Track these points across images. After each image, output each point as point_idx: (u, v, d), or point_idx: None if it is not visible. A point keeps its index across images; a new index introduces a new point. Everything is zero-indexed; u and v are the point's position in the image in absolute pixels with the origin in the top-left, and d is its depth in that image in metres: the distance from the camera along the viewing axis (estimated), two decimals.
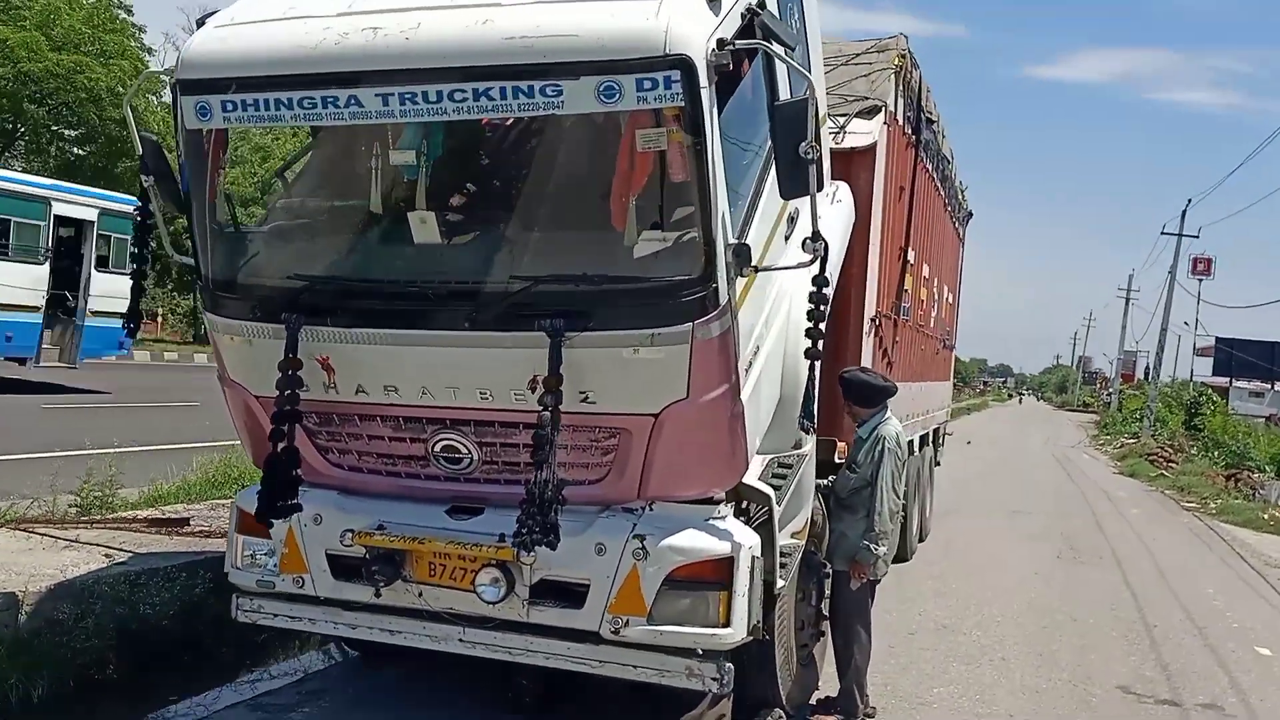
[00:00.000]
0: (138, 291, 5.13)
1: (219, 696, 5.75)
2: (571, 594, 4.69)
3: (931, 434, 12.31)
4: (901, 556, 10.44)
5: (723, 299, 4.27)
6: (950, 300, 13.43)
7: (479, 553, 4.60)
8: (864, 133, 7.07)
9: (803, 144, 4.11)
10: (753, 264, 4.38)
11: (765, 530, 4.97)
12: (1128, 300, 61.19)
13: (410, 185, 4.54)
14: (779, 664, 5.45)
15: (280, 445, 4.58)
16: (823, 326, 4.60)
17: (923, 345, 10.57)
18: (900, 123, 7.90)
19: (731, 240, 4.31)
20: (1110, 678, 7.03)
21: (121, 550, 7.03)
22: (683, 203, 4.23)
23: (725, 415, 4.50)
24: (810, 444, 5.41)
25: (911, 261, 9.03)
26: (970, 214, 14.78)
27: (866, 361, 7.26)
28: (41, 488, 7.99)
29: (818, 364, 4.65)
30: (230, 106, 4.37)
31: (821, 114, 5.49)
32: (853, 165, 6.96)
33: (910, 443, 10.08)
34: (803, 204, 4.42)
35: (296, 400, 4.54)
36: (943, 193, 11.07)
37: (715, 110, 4.11)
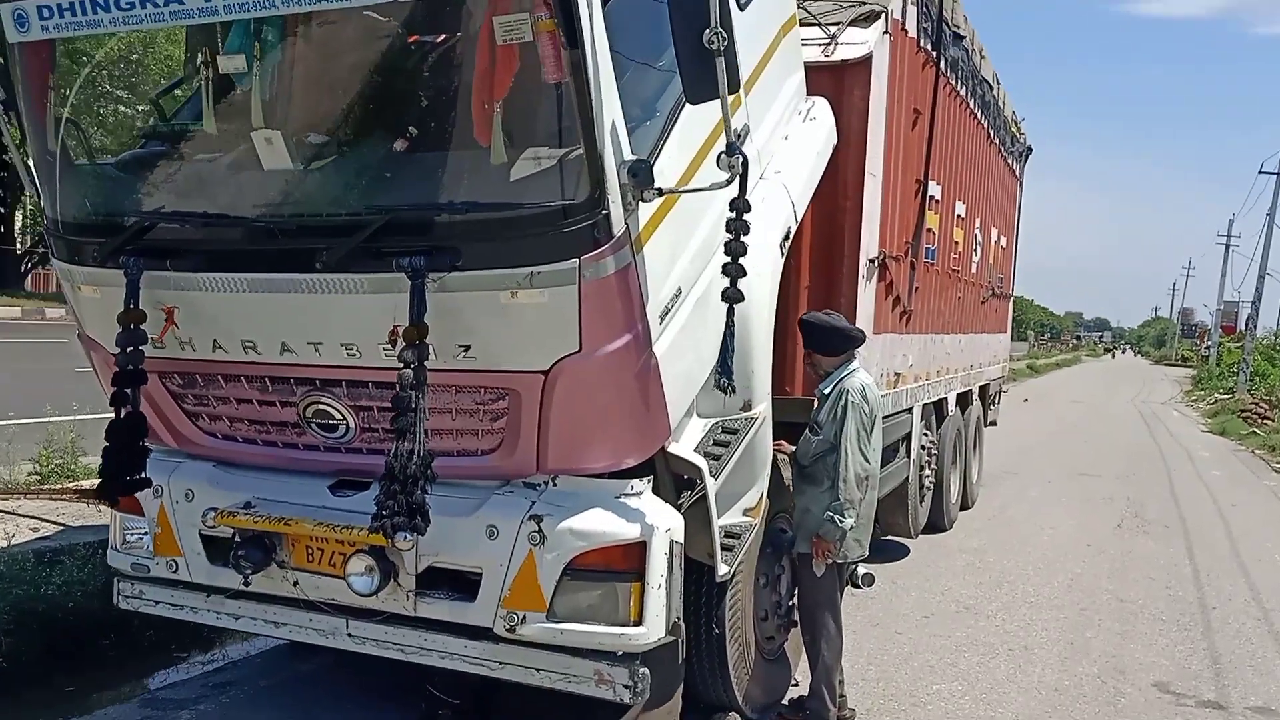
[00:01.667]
0: None
1: (118, 691, 5.18)
2: (464, 584, 4.00)
3: (978, 391, 11.28)
4: (938, 526, 9.61)
5: (616, 229, 3.48)
6: (1003, 244, 12.32)
7: (350, 536, 3.92)
8: (858, 43, 6.11)
9: (705, 31, 3.29)
10: (655, 186, 3.57)
11: (699, 508, 4.20)
12: (1228, 246, 58.04)
13: (246, 99, 3.82)
14: (732, 661, 4.70)
15: (123, 410, 3.95)
16: (745, 262, 3.77)
17: (959, 293, 9.55)
18: (911, 33, 6.91)
19: (628, 157, 3.51)
20: (1148, 672, 6.09)
21: (55, 523, 6.57)
22: (560, 111, 3.44)
23: (631, 371, 3.72)
24: (764, 406, 4.59)
25: (936, 197, 8.05)
26: (1029, 149, 13.59)
27: (867, 310, 6.38)
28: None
29: (735, 309, 3.83)
30: (46, 13, 3.71)
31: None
32: (844, 80, 6.02)
33: (942, 401, 9.21)
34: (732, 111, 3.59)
35: (139, 358, 3.90)
36: (984, 122, 9.98)
37: None
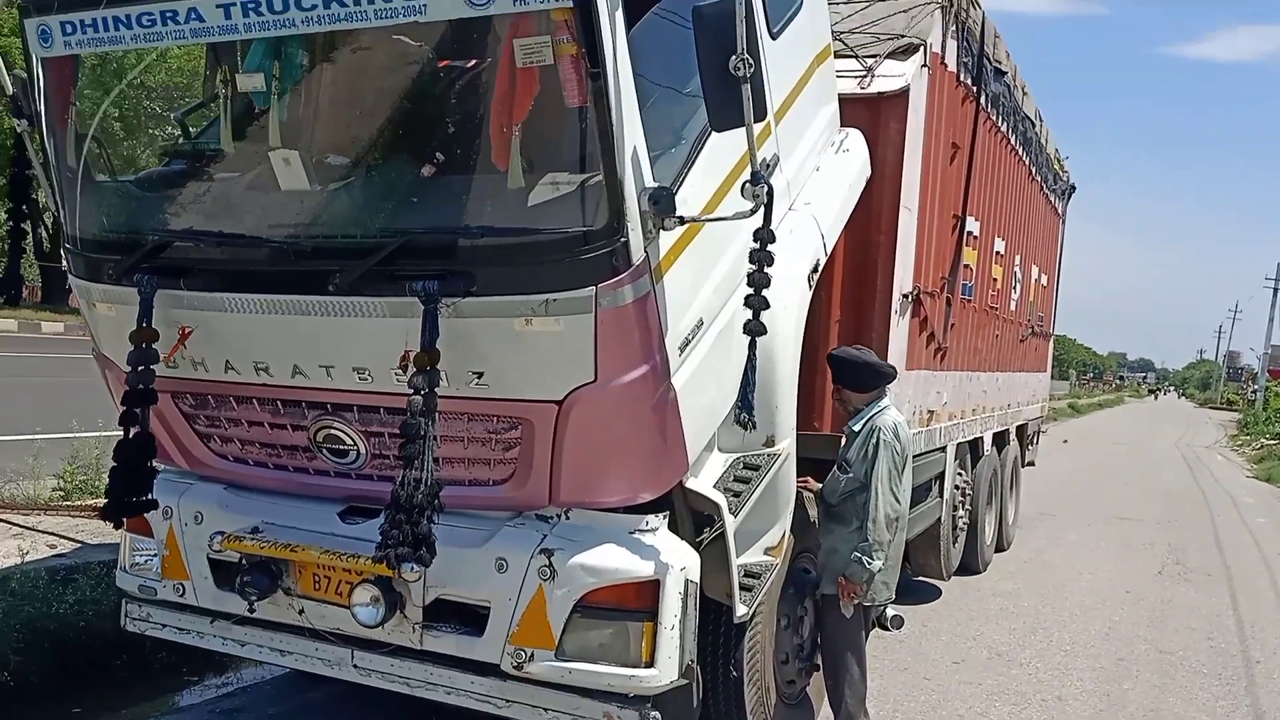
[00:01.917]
0: (16, 252, 4.52)
1: (124, 714, 5.11)
2: (472, 618, 3.89)
3: (1015, 431, 11.03)
4: (972, 568, 9.37)
5: (635, 257, 3.39)
6: (1044, 282, 12.09)
7: (356, 565, 3.82)
8: (895, 75, 6.01)
9: (732, 58, 3.20)
10: (677, 214, 3.47)
11: (717, 546, 4.07)
12: (1276, 290, 57.07)
13: (265, 118, 3.78)
14: (750, 705, 4.54)
15: (131, 430, 3.90)
16: (770, 294, 3.66)
17: (997, 330, 9.36)
18: (950, 68, 6.79)
19: (649, 184, 3.42)
20: None
21: (73, 540, 6.54)
22: (580, 136, 3.36)
23: (648, 403, 3.61)
24: (787, 442, 4.45)
25: (974, 233, 7.88)
26: (1072, 187, 13.35)
27: (900, 346, 6.23)
28: (25, 470, 7.62)
29: (757, 341, 3.71)
30: (70, 29, 3.71)
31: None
32: (881, 113, 5.91)
33: (977, 441, 8.99)
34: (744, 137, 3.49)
35: (150, 377, 3.86)
36: (1026, 159, 9.81)
37: (620, 13, 3.24)
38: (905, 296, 6.17)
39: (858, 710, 4.85)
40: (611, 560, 3.70)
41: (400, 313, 3.46)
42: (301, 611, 4.07)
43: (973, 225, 7.85)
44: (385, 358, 3.60)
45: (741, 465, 4.33)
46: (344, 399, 3.83)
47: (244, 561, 4.07)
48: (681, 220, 3.49)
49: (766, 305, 3.63)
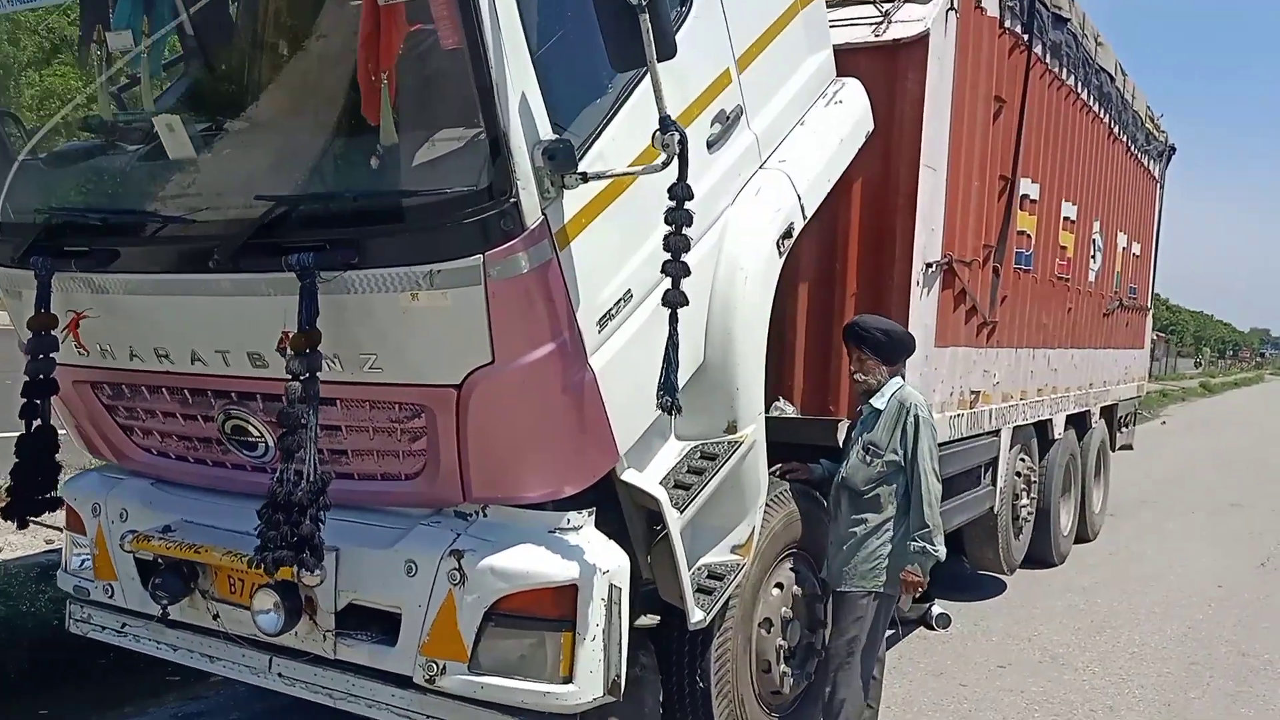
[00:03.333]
0: None
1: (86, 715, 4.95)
2: (388, 625, 3.55)
3: (1099, 412, 10.20)
4: (1046, 561, 8.70)
5: (529, 219, 3.00)
6: (1136, 251, 11.19)
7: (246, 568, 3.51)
8: (913, 20, 5.42)
9: None
10: (578, 170, 3.05)
11: (663, 546, 3.65)
12: None
13: (139, 81, 3.50)
14: (719, 719, 4.10)
15: (33, 423, 3.69)
16: (688, 259, 3.20)
17: (1070, 304, 8.60)
18: (990, 12, 6.14)
19: (544, 136, 3.01)
20: None
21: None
22: (458, 82, 2.97)
23: (557, 386, 3.22)
24: (753, 428, 3.98)
25: (1031, 197, 7.22)
26: (1171, 148, 12.35)
27: (926, 320, 5.65)
28: None
29: (679, 313, 3.25)
30: None
31: None
32: (898, 63, 5.33)
33: (1046, 424, 8.29)
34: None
35: (49, 366, 3.64)
36: (1103, 116, 9.00)
37: None
38: (930, 266, 5.58)
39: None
40: (525, 563, 3.32)
41: (283, 290, 3.14)
42: (216, 616, 3.81)
43: (1029, 188, 7.18)
44: (274, 340, 3.29)
45: (698, 455, 3.89)
46: (247, 387, 3.55)
47: (159, 562, 3.83)
48: (584, 177, 3.07)
49: (687, 272, 3.18)
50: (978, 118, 6.13)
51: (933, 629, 6.75)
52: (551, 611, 3.30)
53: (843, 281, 5.40)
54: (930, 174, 5.48)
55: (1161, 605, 7.83)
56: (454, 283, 3.02)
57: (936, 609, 6.86)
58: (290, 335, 3.11)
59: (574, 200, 3.14)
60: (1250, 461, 19.03)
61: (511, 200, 2.96)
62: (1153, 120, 11.32)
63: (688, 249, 3.15)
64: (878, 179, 5.36)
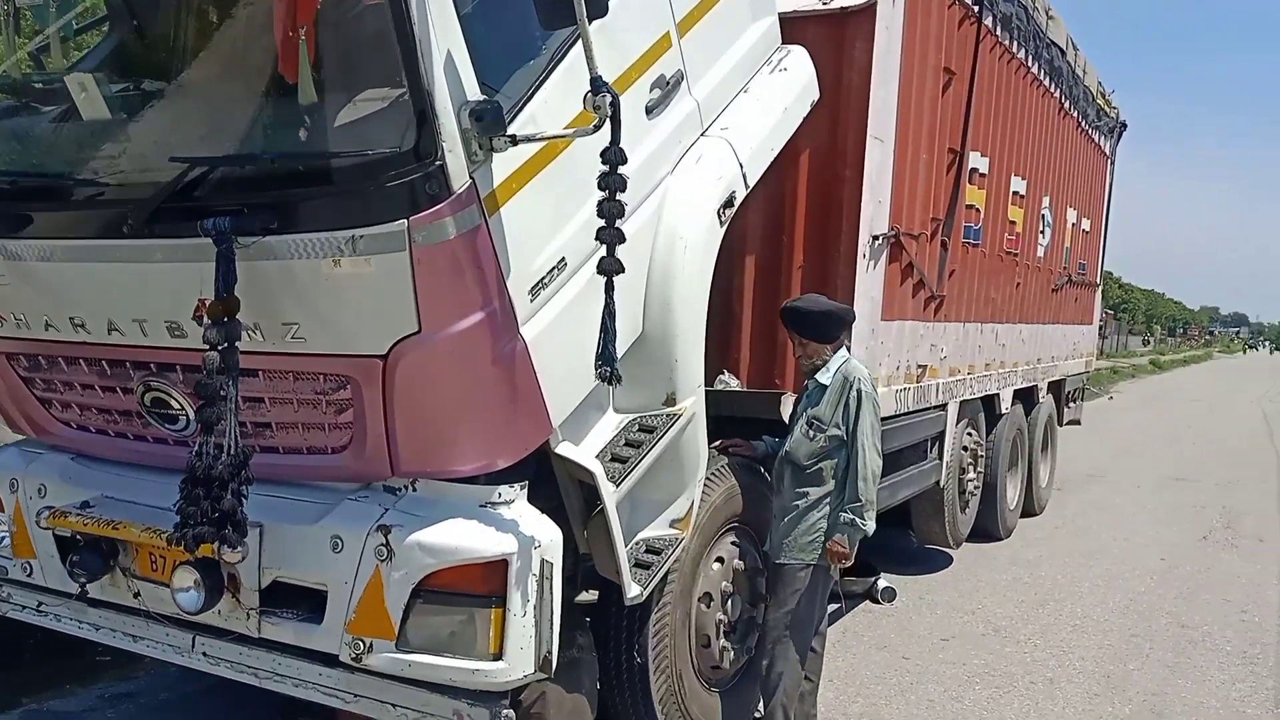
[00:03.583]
0: None
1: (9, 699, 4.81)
2: (314, 602, 3.45)
3: (1047, 387, 10.27)
4: (992, 534, 8.76)
5: (455, 183, 2.90)
6: (1085, 227, 11.25)
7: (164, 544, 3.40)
8: None
9: None
10: (507, 132, 2.95)
11: (599, 520, 3.59)
12: None
13: (53, 41, 3.35)
14: (658, 696, 4.06)
15: None
16: (623, 224, 3.11)
17: (1019, 279, 8.62)
18: None
19: (471, 96, 2.91)
20: (1192, 716, 5.21)
21: None
22: (380, 39, 2.85)
23: (488, 357, 3.13)
24: (692, 400, 3.92)
25: (981, 170, 7.20)
26: (1122, 125, 12.40)
27: (873, 293, 5.62)
28: None
29: (614, 283, 3.16)
30: None
31: None
32: (845, 31, 5.26)
33: (993, 398, 8.31)
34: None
35: None
36: (1054, 91, 9.00)
37: None
38: (878, 239, 5.54)
39: (792, 696, 4.33)
40: (454, 538, 3.23)
41: (199, 256, 3.02)
42: (137, 594, 3.69)
43: (978, 162, 7.17)
44: (192, 309, 3.17)
45: (636, 427, 3.82)
46: (165, 358, 3.43)
47: (78, 539, 3.70)
48: (513, 140, 2.97)
49: (621, 238, 3.09)
50: (926, 89, 6.09)
51: (878, 602, 6.78)
52: (481, 587, 3.22)
53: (789, 253, 5.35)
54: (878, 145, 5.43)
55: (1104, 578, 7.91)
56: (377, 249, 2.91)
57: (882, 583, 6.88)
58: (207, 303, 3.00)
59: (504, 164, 3.04)
60: (1197, 437, 19.34)
61: (437, 163, 2.86)
62: (1104, 96, 11.36)
63: (622, 215, 3.06)
64: (825, 150, 5.30)
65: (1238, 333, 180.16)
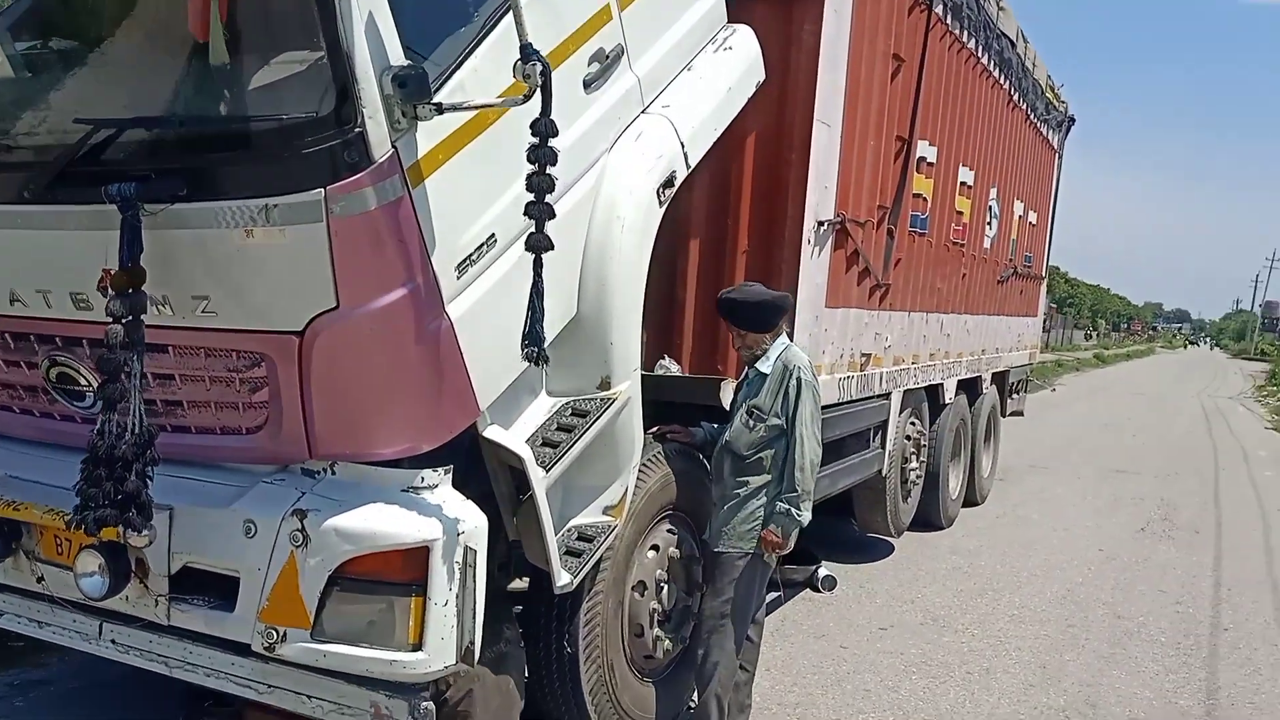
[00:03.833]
0: None
1: None
2: (227, 589, 3.31)
3: (991, 378, 10.32)
4: (933, 524, 8.77)
5: (376, 152, 2.77)
6: (1032, 220, 11.30)
7: (63, 526, 3.24)
8: None
9: None
10: (432, 100, 2.83)
11: (529, 507, 3.48)
12: None
13: None
14: (589, 687, 3.98)
15: None
16: (553, 200, 3.00)
17: (965, 269, 8.62)
18: None
19: (394, 62, 2.78)
20: (1125, 706, 5.23)
21: None
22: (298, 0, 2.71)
23: (410, 335, 3.00)
24: (628, 384, 3.82)
25: (928, 159, 7.16)
26: (1070, 119, 12.47)
27: (818, 279, 5.57)
28: None
29: (547, 260, 3.05)
30: None
31: None
32: (793, 13, 5.19)
33: (937, 388, 8.30)
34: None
35: None
36: (1003, 82, 9.00)
37: None
38: (823, 225, 5.47)
39: (725, 689, 4.26)
40: (373, 523, 3.11)
41: (105, 224, 2.86)
42: (41, 579, 3.53)
43: (926, 150, 7.13)
44: (96, 279, 3.01)
45: (569, 411, 3.71)
46: (71, 331, 3.26)
47: None
48: (439, 108, 2.84)
49: (550, 214, 2.97)
50: (875, 75, 6.02)
51: (818, 591, 6.72)
52: (401, 575, 3.10)
53: (734, 238, 5.27)
54: (824, 129, 5.35)
55: (1043, 568, 7.95)
56: (292, 219, 2.78)
57: (823, 571, 6.82)
58: (111, 274, 2.84)
59: (430, 134, 2.92)
60: (1137, 428, 19.64)
61: (356, 130, 2.73)
62: (1053, 89, 11.41)
63: (552, 189, 2.94)
64: (771, 133, 5.22)
65: (1180, 329, 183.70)
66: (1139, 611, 6.95)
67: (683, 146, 4.07)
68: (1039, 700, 5.20)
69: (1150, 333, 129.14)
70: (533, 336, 3.05)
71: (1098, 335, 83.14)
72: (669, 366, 4.97)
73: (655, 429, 4.45)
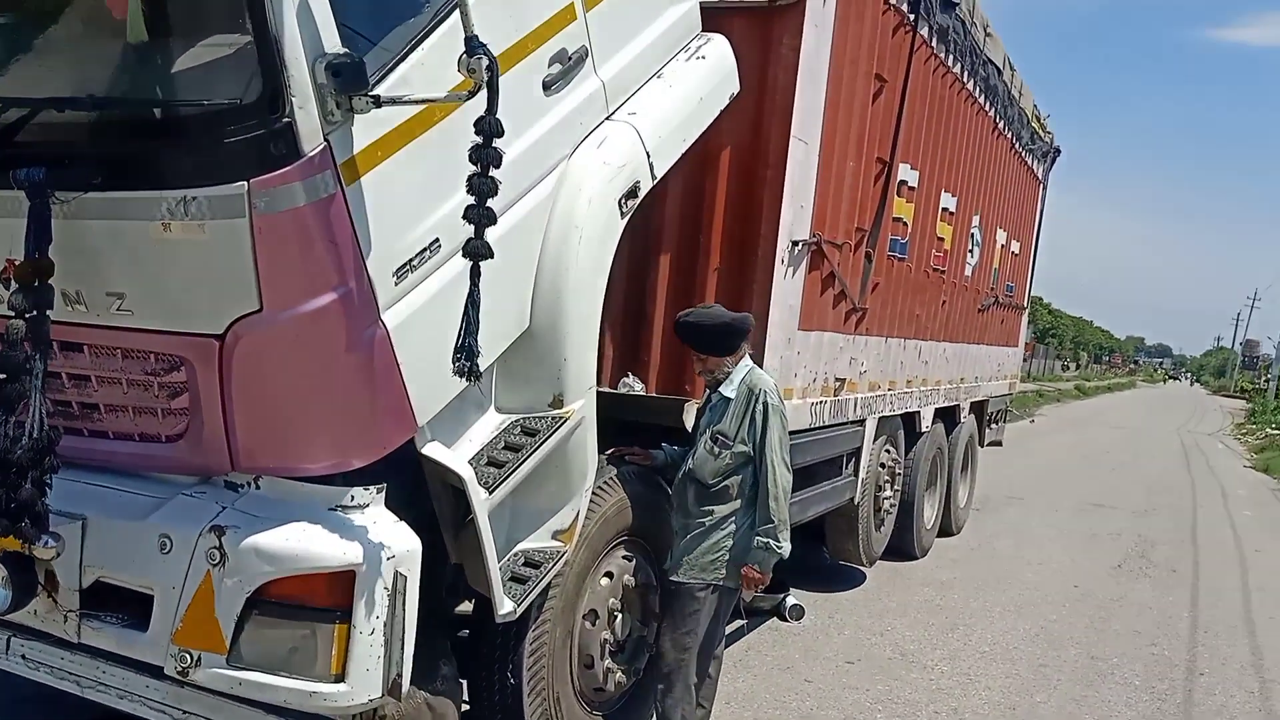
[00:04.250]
0: None
1: None
2: (139, 608, 3.10)
3: (970, 408, 10.16)
4: (908, 554, 8.58)
5: (306, 145, 2.58)
6: (1015, 250, 11.19)
7: None
8: None
9: None
10: (370, 91, 2.65)
11: (472, 529, 3.28)
12: None
13: None
14: (531, 718, 3.75)
15: None
16: (505, 206, 2.82)
17: (944, 297, 8.48)
18: None
19: (329, 49, 2.59)
20: None
21: None
22: None
23: (340, 343, 2.81)
24: (581, 403, 3.62)
25: (909, 183, 7.03)
26: (1056, 150, 12.40)
27: (790, 301, 5.39)
28: None
29: (481, 268, 2.85)
30: None
31: None
32: (773, 26, 5.03)
33: (914, 416, 8.13)
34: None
35: None
36: (989, 109, 8.89)
37: None
38: (797, 245, 5.30)
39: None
40: (295, 543, 2.91)
41: (10, 211, 2.67)
42: None
43: (908, 174, 7.00)
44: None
45: (518, 430, 3.52)
46: None
47: None
48: (376, 101, 2.66)
49: (492, 220, 2.79)
50: (856, 94, 5.88)
51: (785, 620, 6.49)
52: (324, 600, 2.90)
53: (706, 255, 5.10)
54: (801, 147, 5.20)
55: (1016, 604, 7.77)
56: (213, 213, 2.59)
57: (790, 600, 6.61)
58: (15, 265, 2.64)
59: (369, 128, 2.74)
60: (1116, 462, 19.54)
61: (285, 120, 2.55)
62: (1039, 119, 11.33)
63: (494, 193, 2.75)
64: (746, 149, 5.07)
65: (1161, 363, 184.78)
66: (1113, 652, 6.77)
67: (648, 156, 3.90)
68: None
69: (1132, 366, 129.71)
70: (465, 349, 2.84)
71: (1078, 366, 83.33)
72: (632, 385, 4.78)
73: (614, 450, 4.27)
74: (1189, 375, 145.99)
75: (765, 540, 4.00)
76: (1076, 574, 9.09)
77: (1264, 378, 68.88)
